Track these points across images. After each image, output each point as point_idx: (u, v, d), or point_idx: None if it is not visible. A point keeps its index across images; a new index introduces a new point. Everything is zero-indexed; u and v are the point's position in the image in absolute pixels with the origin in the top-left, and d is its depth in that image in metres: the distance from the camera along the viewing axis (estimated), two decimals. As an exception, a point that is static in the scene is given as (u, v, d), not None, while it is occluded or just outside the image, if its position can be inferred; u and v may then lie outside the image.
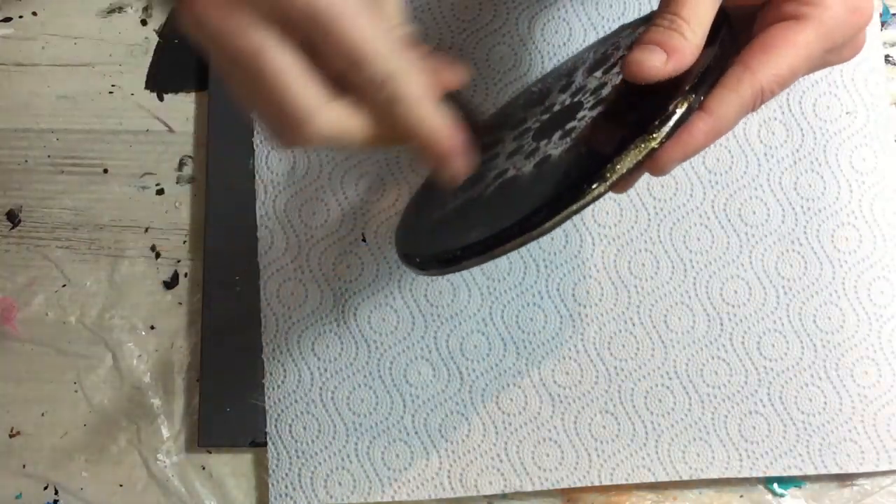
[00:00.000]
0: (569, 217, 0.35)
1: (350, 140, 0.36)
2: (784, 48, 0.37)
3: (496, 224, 0.37)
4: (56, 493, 0.53)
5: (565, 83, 0.45)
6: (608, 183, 0.35)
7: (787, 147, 0.54)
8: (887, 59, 0.56)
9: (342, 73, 0.34)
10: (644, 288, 0.53)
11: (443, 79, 0.38)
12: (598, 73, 0.43)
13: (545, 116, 0.43)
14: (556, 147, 0.39)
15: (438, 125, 0.36)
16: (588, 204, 0.35)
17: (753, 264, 0.53)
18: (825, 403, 0.52)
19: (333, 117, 0.35)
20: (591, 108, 0.40)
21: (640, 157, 0.35)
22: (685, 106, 0.35)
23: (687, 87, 0.36)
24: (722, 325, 0.53)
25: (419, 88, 0.35)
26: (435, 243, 0.41)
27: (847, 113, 0.55)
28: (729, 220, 0.54)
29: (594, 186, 0.35)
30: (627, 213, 0.54)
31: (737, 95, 0.36)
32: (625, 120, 0.37)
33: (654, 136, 0.35)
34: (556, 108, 0.43)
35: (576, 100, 0.42)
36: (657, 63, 0.36)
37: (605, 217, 0.54)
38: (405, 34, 0.37)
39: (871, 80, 0.55)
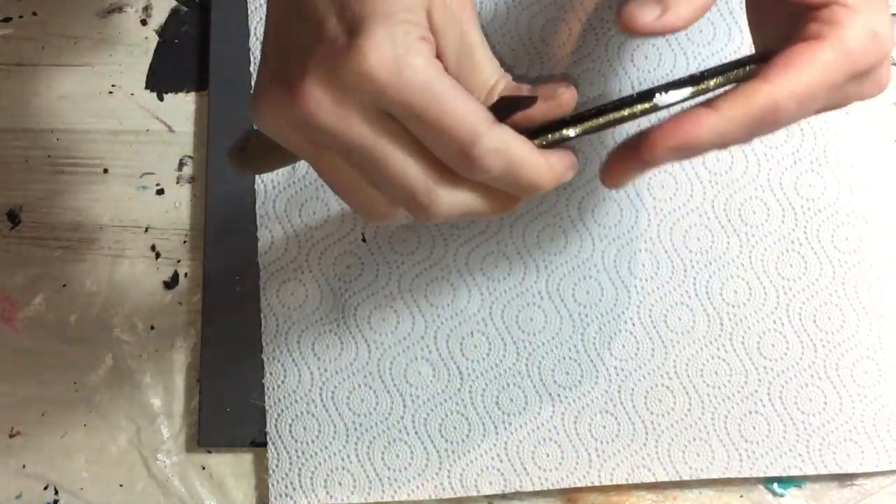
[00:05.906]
0: None
1: (475, 214, 0.37)
2: (803, 65, 0.36)
3: None
4: (56, 493, 0.53)
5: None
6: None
7: (787, 147, 0.54)
8: (887, 59, 0.56)
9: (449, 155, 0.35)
10: (644, 288, 0.53)
11: (560, 102, 0.37)
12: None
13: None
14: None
15: (554, 174, 0.36)
16: None
17: (753, 264, 0.53)
18: (825, 403, 0.52)
19: (453, 198, 0.36)
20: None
21: (596, 124, 0.36)
22: (670, 91, 0.36)
23: (684, 78, 0.36)
24: (722, 325, 0.53)
25: (523, 151, 0.35)
26: None
27: (847, 113, 0.55)
28: (729, 220, 0.54)
29: None
30: (627, 213, 0.54)
31: (748, 100, 0.36)
32: None
33: (627, 110, 0.36)
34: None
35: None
36: (649, 18, 0.36)
37: (605, 217, 0.54)
38: (503, 81, 0.37)
39: (871, 80, 0.55)
